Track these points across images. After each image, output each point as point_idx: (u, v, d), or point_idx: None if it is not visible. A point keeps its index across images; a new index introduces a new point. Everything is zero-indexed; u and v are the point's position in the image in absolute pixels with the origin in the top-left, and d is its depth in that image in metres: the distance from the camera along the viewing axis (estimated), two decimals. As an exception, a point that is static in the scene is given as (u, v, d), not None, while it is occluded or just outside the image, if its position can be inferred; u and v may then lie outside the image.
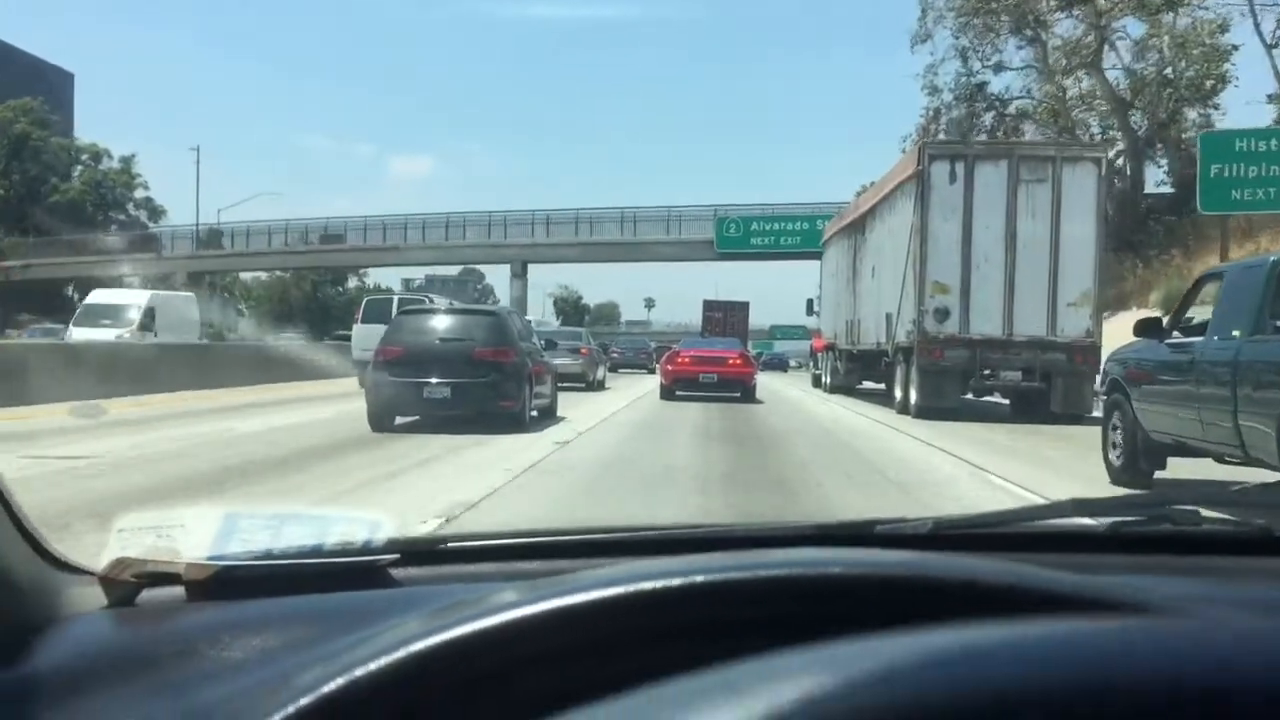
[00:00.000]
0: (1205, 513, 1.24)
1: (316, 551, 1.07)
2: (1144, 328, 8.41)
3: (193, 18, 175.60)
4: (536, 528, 1.36)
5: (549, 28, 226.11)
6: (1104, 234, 14.91)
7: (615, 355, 40.25)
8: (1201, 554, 1.24)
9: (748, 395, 18.56)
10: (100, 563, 1.03)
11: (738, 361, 19.05)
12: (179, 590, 0.99)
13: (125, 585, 1.00)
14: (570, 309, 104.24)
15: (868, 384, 20.69)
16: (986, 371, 14.82)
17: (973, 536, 1.23)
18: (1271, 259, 7.55)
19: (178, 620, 0.95)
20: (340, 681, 0.59)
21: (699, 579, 0.63)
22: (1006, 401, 16.17)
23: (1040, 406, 14.71)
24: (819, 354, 26.93)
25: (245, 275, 70.67)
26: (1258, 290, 7.23)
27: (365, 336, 20.06)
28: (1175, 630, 0.53)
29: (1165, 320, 8.37)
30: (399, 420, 11.89)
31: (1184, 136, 33.04)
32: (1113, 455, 8.76)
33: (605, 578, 0.65)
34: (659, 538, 1.19)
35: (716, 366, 18.71)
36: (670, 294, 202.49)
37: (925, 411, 14.56)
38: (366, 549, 1.07)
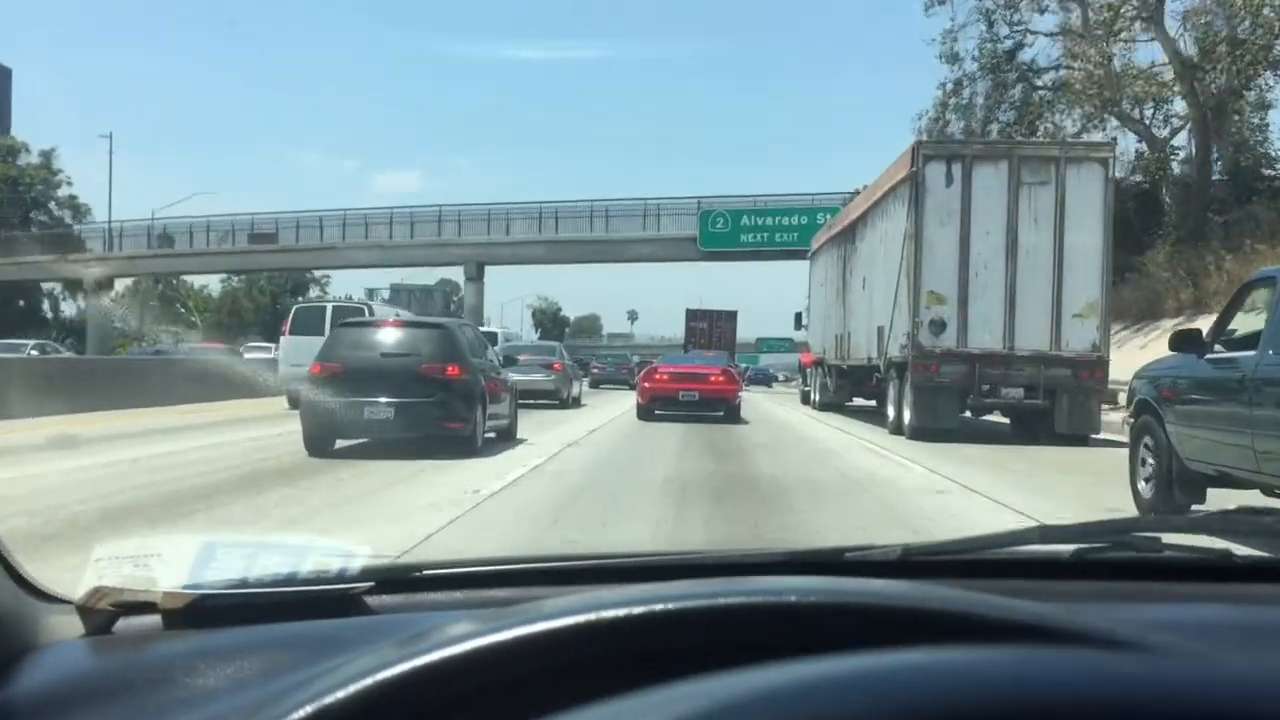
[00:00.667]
0: (1167, 539, 1.26)
1: (291, 580, 1.08)
2: (1181, 340, 7.41)
3: (179, 38, 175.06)
4: (510, 555, 1.43)
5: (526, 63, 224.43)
6: (1111, 239, 13.76)
7: (596, 370, 39.32)
8: (1164, 580, 1.27)
9: (731, 415, 17.43)
10: (78, 591, 1.05)
11: (720, 379, 17.85)
12: (155, 619, 1.02)
13: (102, 614, 1.03)
14: (549, 321, 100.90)
15: (858, 400, 19.97)
16: (986, 388, 13.66)
17: (941, 563, 1.25)
18: None
19: (154, 649, 0.97)
20: (309, 710, 0.60)
21: (659, 607, 0.65)
22: (1007, 421, 15.13)
23: (1044, 426, 13.62)
24: (807, 369, 26.04)
25: (195, 281, 66.09)
26: None
27: (294, 350, 18.59)
28: (1078, 660, 0.52)
29: (1206, 333, 7.35)
30: (339, 444, 10.79)
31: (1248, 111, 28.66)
32: (1142, 485, 7.82)
33: (569, 606, 0.66)
34: (630, 565, 1.21)
35: (697, 384, 17.53)
36: (655, 306, 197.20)
37: (920, 433, 13.50)
38: (341, 577, 1.09)
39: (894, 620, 0.66)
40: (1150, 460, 7.67)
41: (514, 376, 14.66)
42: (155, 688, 0.86)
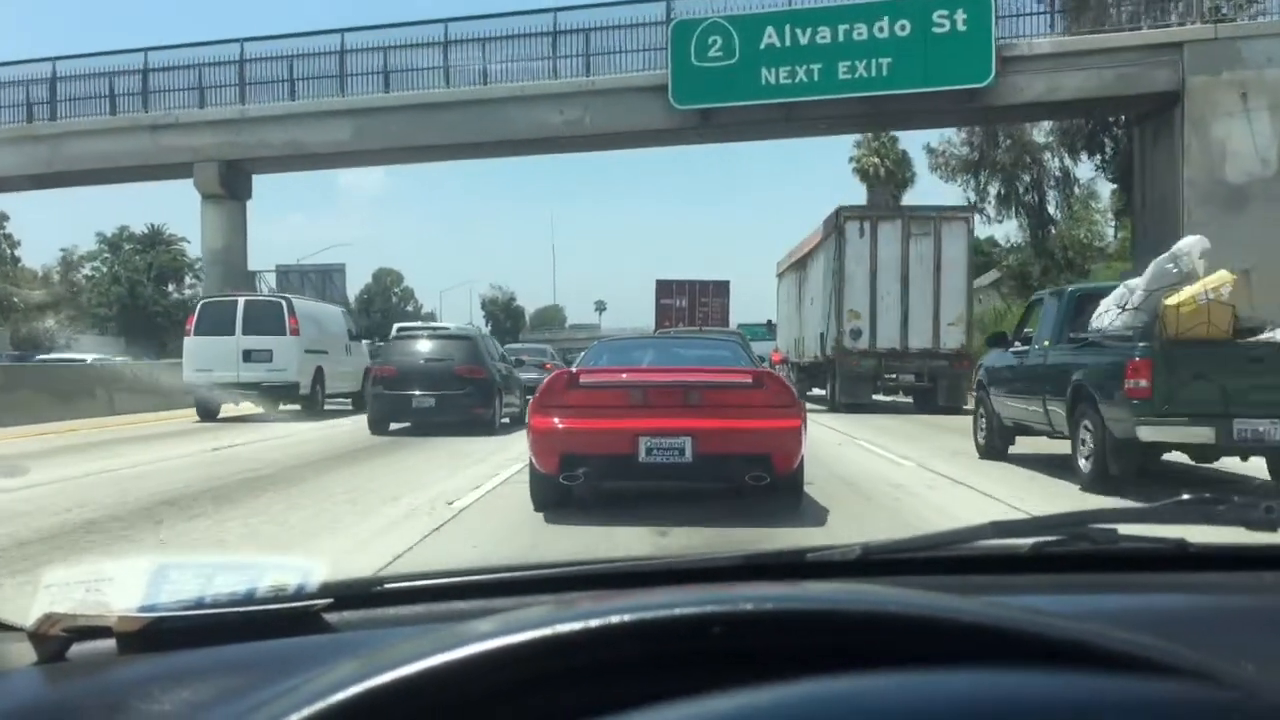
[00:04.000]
0: (1123, 530, 1.23)
1: (248, 599, 1.05)
2: (993, 340, 11.95)
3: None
4: (472, 566, 1.34)
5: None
6: (971, 272, 20.43)
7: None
8: (1120, 571, 1.28)
9: (787, 491, 7.10)
10: (29, 618, 1.01)
11: (744, 393, 7.03)
12: (110, 644, 0.99)
13: (55, 640, 0.99)
14: (501, 312, 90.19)
15: (816, 390, 22.57)
16: (890, 376, 19.85)
17: (901, 561, 1.26)
18: (1070, 289, 10.46)
19: (109, 674, 0.94)
20: None
21: (614, 620, 0.63)
22: (910, 399, 21.15)
23: (931, 401, 19.67)
24: (777, 365, 30.91)
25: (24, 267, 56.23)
26: (1060, 311, 9.90)
27: (201, 352, 17.01)
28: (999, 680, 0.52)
29: (1011, 334, 11.38)
30: (392, 426, 14.60)
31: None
32: (979, 436, 11.65)
33: (523, 621, 0.65)
34: (589, 573, 1.20)
35: (688, 413, 6.82)
36: (629, 291, 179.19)
37: (845, 407, 19.37)
38: (299, 595, 1.06)
39: (853, 626, 0.65)
40: (983, 419, 11.49)
41: (522, 375, 17.37)
42: (111, 714, 0.84)
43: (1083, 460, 8.94)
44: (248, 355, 17.38)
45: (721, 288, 35.21)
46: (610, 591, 0.97)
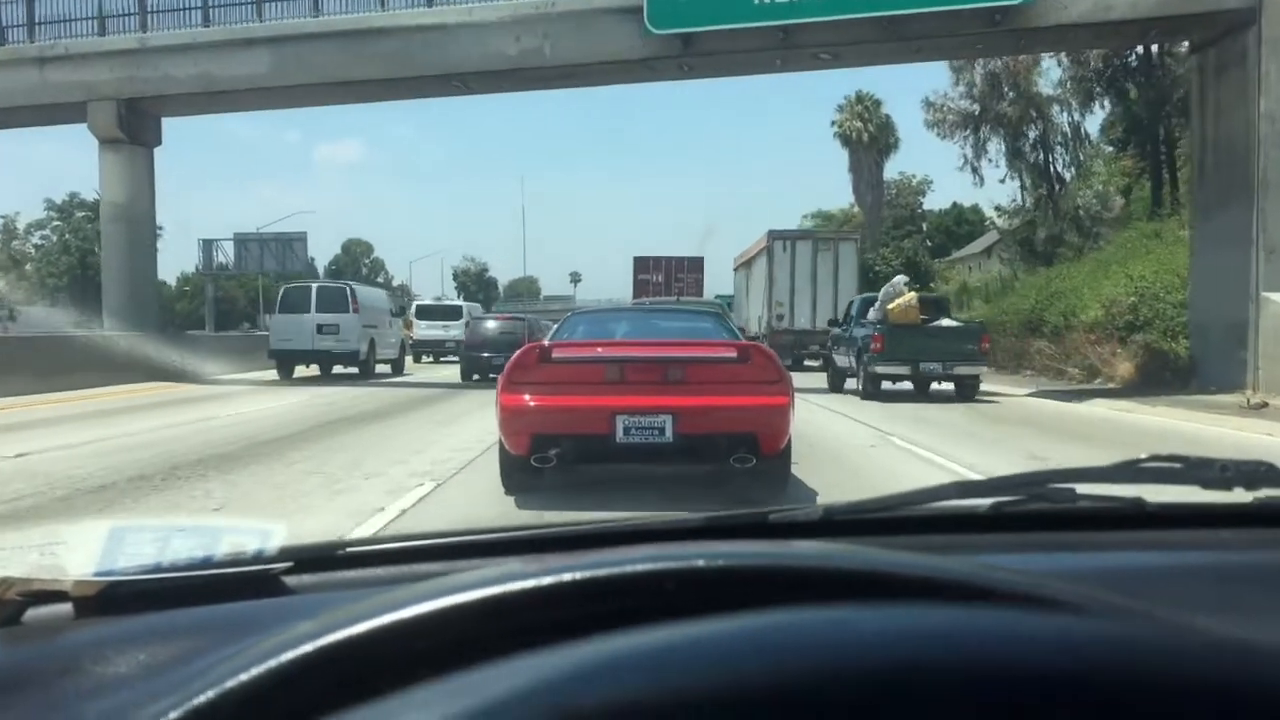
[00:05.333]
0: (1081, 490, 1.23)
1: (206, 563, 1.05)
2: (831, 323, 20.56)
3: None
4: (434, 529, 1.30)
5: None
6: (860, 274, 28.32)
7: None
8: (1078, 530, 1.29)
9: (772, 471, 6.59)
10: None
11: (727, 369, 6.58)
12: (66, 608, 0.98)
13: (9, 605, 0.98)
14: (473, 284, 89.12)
15: None
16: (805, 348, 28.16)
17: (862, 521, 1.25)
18: (858, 298, 18.81)
19: (64, 638, 0.93)
20: (211, 694, 0.57)
21: (567, 577, 0.63)
22: (818, 362, 26.51)
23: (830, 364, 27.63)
24: None
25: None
26: (857, 308, 17.80)
27: (283, 326, 21.79)
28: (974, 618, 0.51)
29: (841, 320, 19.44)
30: (475, 377, 19.71)
31: None
32: (829, 382, 18.74)
33: (477, 579, 0.64)
34: (549, 535, 1.19)
35: (667, 391, 6.39)
36: (605, 263, 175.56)
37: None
38: (258, 558, 1.06)
39: (807, 581, 0.64)
40: (830, 371, 19.10)
41: None
42: (66, 677, 0.83)
43: (860, 384, 16.64)
44: (320, 329, 21.82)
45: (696, 263, 39.18)
46: (564, 553, 0.96)
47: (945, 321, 17.20)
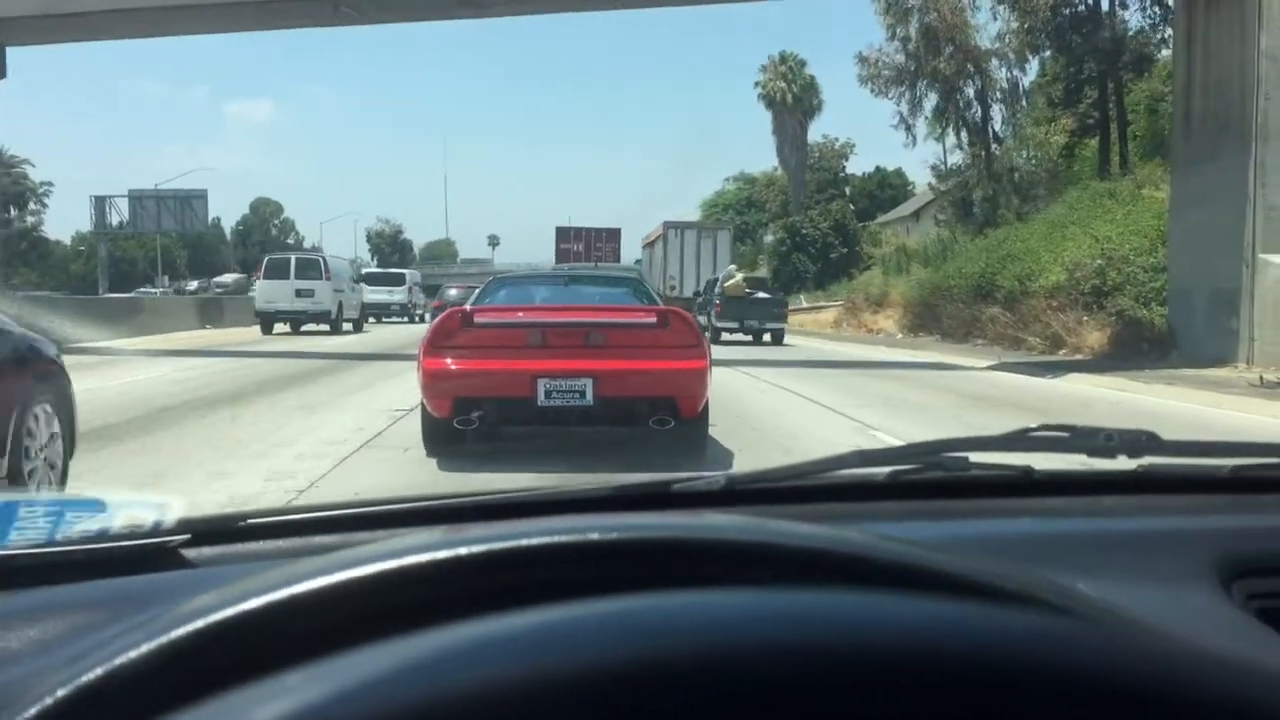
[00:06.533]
0: (975, 458, 1.27)
1: (102, 536, 1.01)
2: (694, 294, 27.92)
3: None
4: (338, 500, 1.30)
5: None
6: (732, 256, 32.93)
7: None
8: (972, 497, 1.34)
9: (691, 431, 6.79)
10: None
11: (649, 333, 6.68)
12: None
13: None
14: (388, 246, 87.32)
15: None
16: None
17: (764, 490, 1.26)
18: (711, 278, 26.83)
19: None
20: (99, 672, 0.56)
21: (463, 551, 0.62)
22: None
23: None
24: None
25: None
26: (717, 284, 24.93)
27: (267, 290, 26.37)
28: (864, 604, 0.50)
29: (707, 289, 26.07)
30: None
31: None
32: (708, 329, 21.51)
33: (376, 553, 0.63)
34: (454, 506, 1.18)
35: (590, 354, 6.50)
36: (524, 229, 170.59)
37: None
38: (155, 531, 1.03)
39: (706, 555, 0.63)
40: (706, 324, 20.65)
41: None
42: None
43: (709, 336, 18.84)
44: (298, 293, 26.27)
45: (614, 234, 42.51)
46: (464, 525, 0.96)
47: (761, 294, 25.01)
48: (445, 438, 6.63)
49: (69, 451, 5.51)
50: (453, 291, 26.41)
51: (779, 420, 9.39)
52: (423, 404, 6.66)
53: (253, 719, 0.43)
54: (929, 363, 17.40)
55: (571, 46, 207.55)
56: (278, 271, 26.59)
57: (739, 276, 25.20)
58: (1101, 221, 19.70)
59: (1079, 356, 17.08)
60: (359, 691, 0.43)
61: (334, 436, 7.77)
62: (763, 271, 35.63)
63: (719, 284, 24.56)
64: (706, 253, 31.77)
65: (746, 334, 23.84)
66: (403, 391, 9.63)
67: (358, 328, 29.04)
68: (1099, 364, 15.46)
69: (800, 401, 11.09)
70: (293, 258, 27.91)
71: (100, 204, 46.39)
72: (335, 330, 26.84)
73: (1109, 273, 17.47)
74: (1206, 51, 15.60)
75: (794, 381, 13.10)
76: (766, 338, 24.06)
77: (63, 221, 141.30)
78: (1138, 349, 15.96)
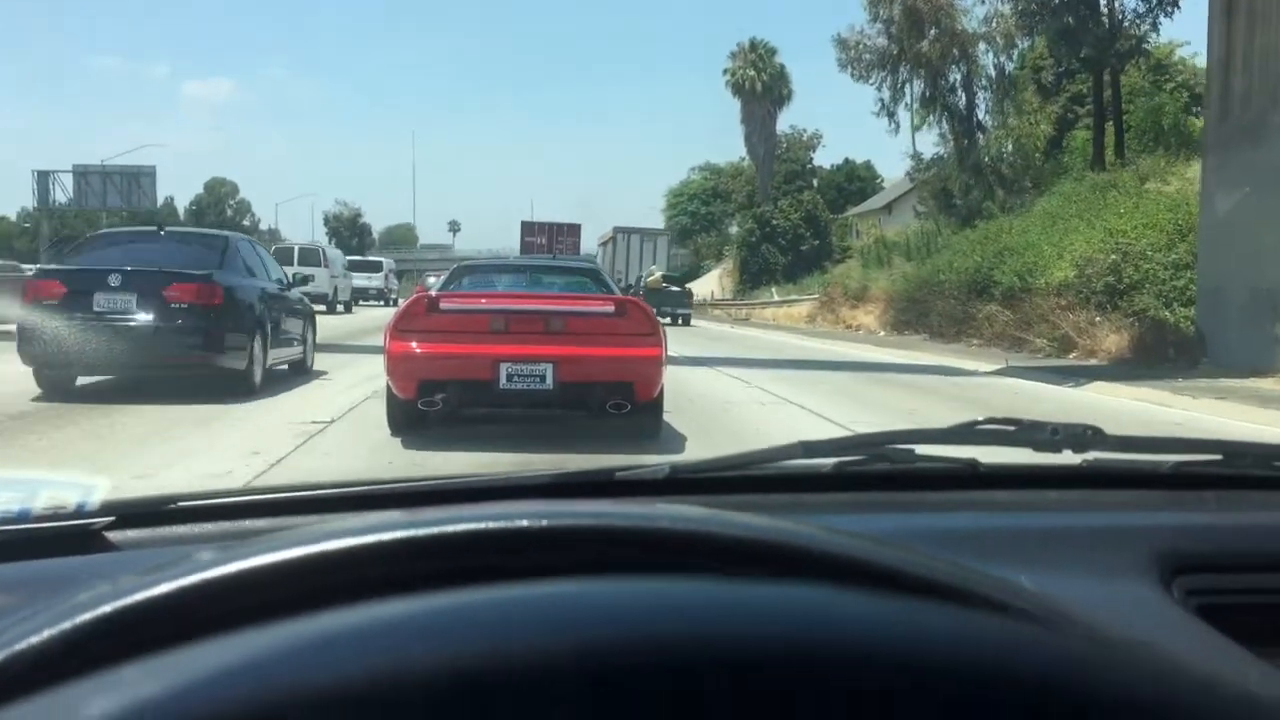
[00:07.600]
0: (920, 450, 1.26)
1: (23, 517, 0.99)
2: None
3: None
4: (266, 484, 1.27)
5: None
6: (668, 257, 41.17)
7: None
8: (917, 490, 1.33)
9: (646, 418, 7.02)
10: None
11: (606, 321, 6.85)
12: None
13: None
14: (346, 229, 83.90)
15: None
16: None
17: (708, 480, 1.26)
18: (638, 274, 33.64)
19: None
20: (1, 655, 0.54)
21: (386, 537, 0.60)
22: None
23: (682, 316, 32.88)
24: None
25: None
26: (638, 280, 30.98)
27: None
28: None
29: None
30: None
31: None
32: None
33: (297, 537, 0.61)
34: (385, 492, 1.17)
35: (551, 340, 6.71)
36: (484, 215, 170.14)
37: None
38: (79, 513, 1.02)
39: (637, 544, 0.61)
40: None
41: None
42: None
43: None
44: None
45: (575, 229, 44.55)
46: (388, 511, 0.92)
47: (673, 288, 31.38)
48: (410, 419, 6.92)
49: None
50: (432, 279, 27.37)
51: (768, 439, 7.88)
52: (388, 385, 6.90)
53: (81, 714, 0.42)
54: (927, 365, 15.73)
55: (538, 29, 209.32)
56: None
57: (658, 274, 32.85)
58: (1108, 214, 18.33)
59: (1094, 361, 15.58)
60: (192, 689, 0.42)
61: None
62: (672, 274, 37.17)
63: (641, 279, 31.69)
64: (648, 253, 38.96)
65: (662, 317, 23.67)
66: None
67: (348, 309, 33.98)
68: (1120, 370, 13.84)
69: (797, 411, 9.46)
70: (296, 247, 33.38)
71: (44, 179, 45.23)
72: (330, 310, 30.44)
73: (1125, 270, 16.06)
74: (1251, 19, 13.87)
75: (784, 387, 11.46)
76: (680, 321, 29.35)
77: (7, 198, 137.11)
78: (1163, 354, 14.31)
